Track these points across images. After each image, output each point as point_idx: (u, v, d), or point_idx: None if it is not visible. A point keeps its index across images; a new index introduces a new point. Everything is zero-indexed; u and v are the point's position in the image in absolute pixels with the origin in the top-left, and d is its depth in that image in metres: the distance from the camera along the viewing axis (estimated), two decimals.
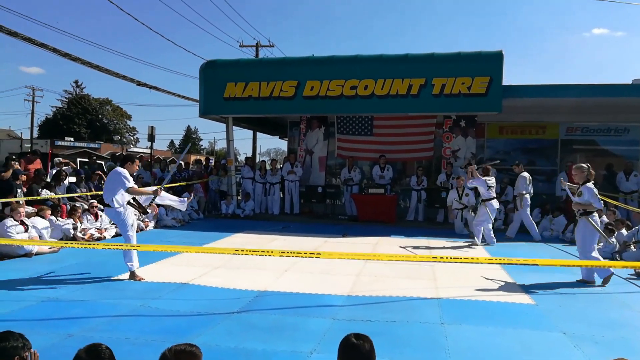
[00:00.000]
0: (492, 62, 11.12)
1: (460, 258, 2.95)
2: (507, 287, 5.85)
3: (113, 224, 9.68)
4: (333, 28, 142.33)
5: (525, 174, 10.01)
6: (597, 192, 6.22)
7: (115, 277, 5.97)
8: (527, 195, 9.94)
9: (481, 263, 2.95)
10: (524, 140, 13.64)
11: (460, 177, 10.92)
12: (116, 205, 5.84)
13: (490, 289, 5.69)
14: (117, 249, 5.51)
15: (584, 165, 6.40)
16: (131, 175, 5.99)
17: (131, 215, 6.03)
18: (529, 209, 10.07)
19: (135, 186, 6.01)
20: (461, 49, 11.89)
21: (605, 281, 6.07)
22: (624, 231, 8.32)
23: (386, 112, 12.32)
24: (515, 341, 4.04)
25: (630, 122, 12.91)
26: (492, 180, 9.03)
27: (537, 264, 3.92)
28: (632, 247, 7.95)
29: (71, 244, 6.92)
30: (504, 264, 4.59)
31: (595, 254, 6.18)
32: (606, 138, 13.19)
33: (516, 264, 4.03)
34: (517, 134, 13.65)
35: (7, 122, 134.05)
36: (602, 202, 6.45)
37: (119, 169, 5.94)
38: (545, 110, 12.71)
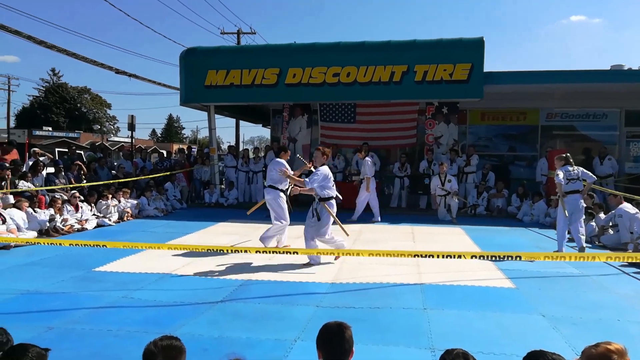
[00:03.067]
0: (473, 48, 11.16)
1: (443, 254, 2.89)
2: (488, 272, 5.94)
3: (94, 214, 9.56)
4: (316, 15, 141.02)
5: (368, 159, 10.47)
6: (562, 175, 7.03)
7: (96, 269, 5.90)
8: (373, 178, 10.44)
9: (465, 258, 2.89)
10: (505, 126, 13.78)
11: (443, 163, 11.00)
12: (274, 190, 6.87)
13: (472, 274, 5.77)
14: (95, 246, 5.43)
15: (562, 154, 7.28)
16: (287, 161, 7.00)
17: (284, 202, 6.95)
18: (375, 192, 10.58)
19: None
20: (443, 36, 11.85)
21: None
22: (601, 215, 8.50)
23: (369, 100, 12.32)
24: (496, 325, 4.11)
25: (608, 107, 13.12)
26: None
27: (520, 257, 3.93)
28: (609, 230, 8.13)
29: (51, 240, 6.79)
30: (491, 259, 4.64)
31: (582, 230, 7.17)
32: (585, 123, 13.39)
33: (499, 256, 4.06)
34: (499, 120, 13.77)
35: None
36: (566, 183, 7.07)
37: (278, 159, 6.98)
38: (525, 97, 12.83)
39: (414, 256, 2.84)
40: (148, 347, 2.01)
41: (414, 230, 9.28)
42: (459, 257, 3.20)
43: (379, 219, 10.45)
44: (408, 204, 12.81)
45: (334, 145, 13.23)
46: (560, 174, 6.95)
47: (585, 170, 7.24)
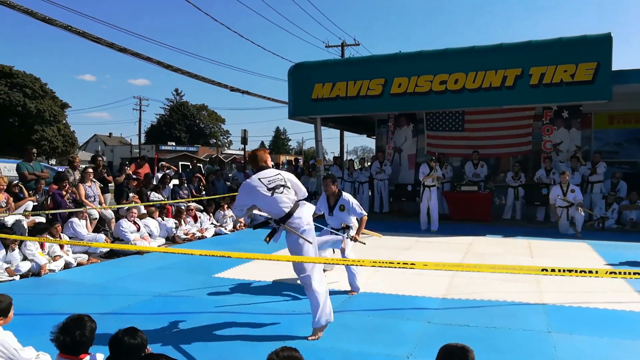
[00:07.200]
0: (599, 46, 10.14)
1: (575, 271, 2.45)
2: (622, 294, 5.32)
3: (212, 223, 10.27)
4: (419, 22, 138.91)
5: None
6: None
7: (216, 275, 6.33)
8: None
9: (601, 277, 2.42)
10: (639, 129, 12.32)
11: (565, 172, 10.13)
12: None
13: (602, 295, 5.21)
14: (221, 256, 5.82)
15: None
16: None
17: None
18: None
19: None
20: (554, 36, 10.95)
21: None
22: None
23: (478, 106, 11.76)
24: (638, 355, 3.65)
25: None
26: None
27: None
28: None
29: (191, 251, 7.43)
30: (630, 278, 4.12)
31: None
32: None
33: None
34: (631, 123, 12.33)
35: (119, 129, 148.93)
36: None
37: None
38: None
39: (542, 270, 2.39)
40: (270, 357, 2.12)
41: (531, 244, 8.64)
42: (596, 272, 2.67)
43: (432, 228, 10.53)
44: (523, 216, 11.98)
45: (441, 154, 12.85)
46: None
47: None
